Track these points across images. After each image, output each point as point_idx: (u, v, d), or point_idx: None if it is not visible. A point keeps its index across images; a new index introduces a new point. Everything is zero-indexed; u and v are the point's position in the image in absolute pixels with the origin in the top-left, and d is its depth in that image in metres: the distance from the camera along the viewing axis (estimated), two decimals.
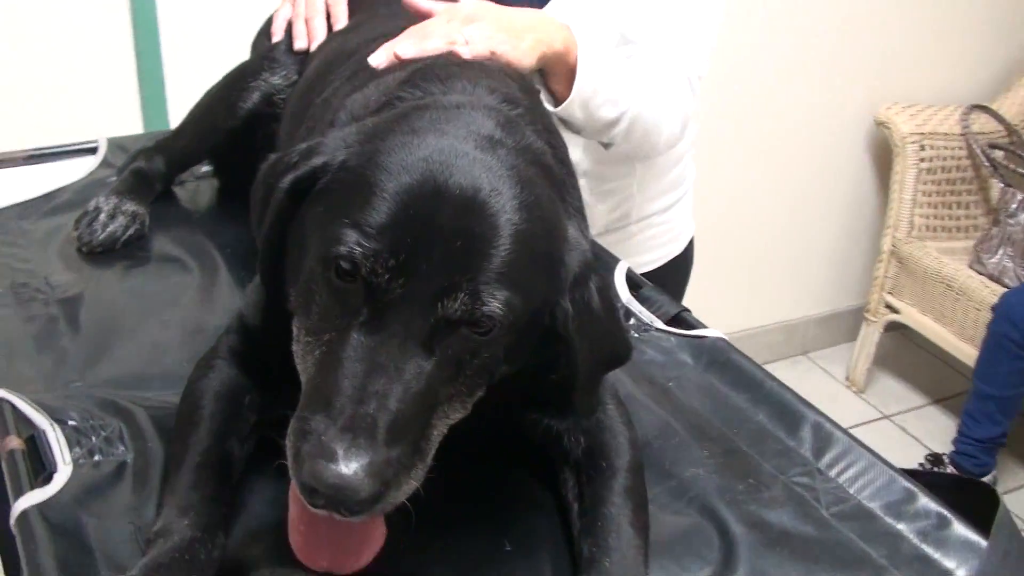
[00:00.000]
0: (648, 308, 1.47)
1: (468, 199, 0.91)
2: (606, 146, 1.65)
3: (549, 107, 1.47)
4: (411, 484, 0.88)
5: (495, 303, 0.88)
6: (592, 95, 1.48)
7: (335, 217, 0.91)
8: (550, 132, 1.20)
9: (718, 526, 1.11)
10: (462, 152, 0.94)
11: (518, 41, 1.37)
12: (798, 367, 4.00)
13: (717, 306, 3.66)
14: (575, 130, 1.58)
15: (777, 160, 3.65)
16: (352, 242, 0.88)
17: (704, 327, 1.43)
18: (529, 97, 1.24)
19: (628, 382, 1.32)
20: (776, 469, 1.20)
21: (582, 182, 1.70)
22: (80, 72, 2.51)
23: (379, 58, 1.31)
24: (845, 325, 4.09)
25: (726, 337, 1.40)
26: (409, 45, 1.32)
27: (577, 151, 1.77)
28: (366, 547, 0.91)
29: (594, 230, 1.82)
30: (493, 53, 1.33)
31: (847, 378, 3.96)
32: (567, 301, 0.98)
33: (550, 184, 1.02)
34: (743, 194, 3.59)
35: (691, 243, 2.04)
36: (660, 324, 1.44)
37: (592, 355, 1.02)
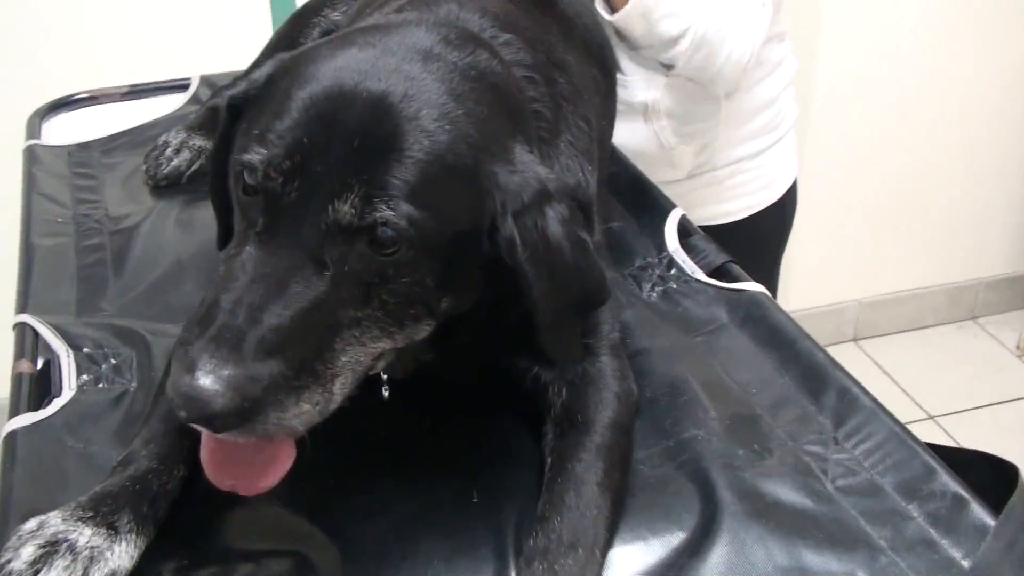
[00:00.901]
0: (693, 257, 1.38)
1: (375, 102, 0.85)
2: (668, 68, 1.56)
3: (605, 15, 1.40)
4: (303, 408, 0.82)
5: (389, 212, 0.82)
6: (653, 6, 1.40)
7: (248, 130, 0.89)
8: (556, 67, 1.13)
9: (704, 491, 1.03)
10: (383, 62, 0.89)
11: None
12: (964, 332, 3.73)
13: (873, 264, 3.48)
14: (633, 45, 1.50)
15: (942, 95, 3.30)
16: (252, 150, 0.84)
17: (748, 280, 1.33)
18: (539, 27, 1.17)
19: (655, 333, 1.25)
20: (788, 435, 1.10)
21: (664, 123, 1.62)
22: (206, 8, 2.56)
23: None
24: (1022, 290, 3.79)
25: (767, 292, 1.29)
26: None
27: (658, 90, 1.68)
28: (271, 469, 0.87)
29: (679, 173, 1.74)
30: None
31: (1018, 347, 3.67)
32: (510, 227, 0.89)
33: (496, 105, 0.94)
34: (902, 140, 3.33)
35: (790, 192, 1.91)
36: (701, 275, 1.35)
37: (554, 292, 0.93)
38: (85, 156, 1.70)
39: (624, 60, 1.69)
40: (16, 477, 1.04)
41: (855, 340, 3.59)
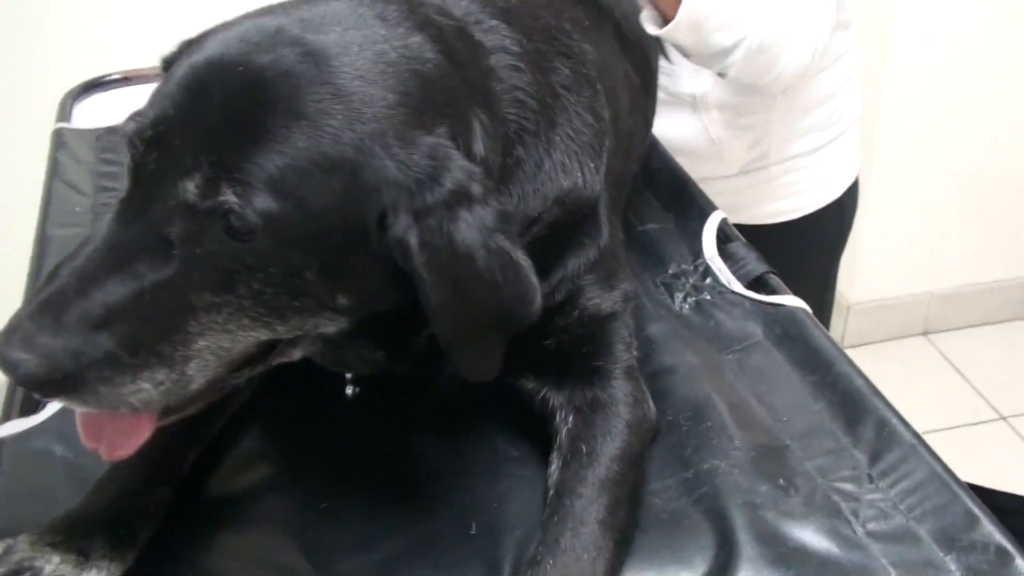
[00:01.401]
0: (731, 266, 1.29)
1: (251, 77, 0.79)
2: (720, 74, 1.46)
3: (652, 29, 1.31)
4: (141, 387, 0.78)
5: (234, 199, 0.75)
6: (703, 19, 1.30)
7: None
8: (561, 55, 1.04)
9: (720, 532, 0.95)
10: (283, 34, 0.82)
11: None
12: None
13: (945, 255, 3.32)
14: (684, 54, 1.41)
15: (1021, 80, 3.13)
16: (130, 117, 0.80)
17: (788, 293, 1.23)
18: (553, 14, 1.08)
19: (682, 350, 1.17)
20: (818, 470, 1.02)
21: (714, 115, 1.53)
22: None
23: None
24: None
25: (806, 308, 1.20)
26: None
27: (707, 81, 1.59)
28: (127, 439, 0.84)
29: (730, 169, 1.65)
30: None
31: None
32: (402, 228, 0.81)
33: (412, 93, 0.83)
34: (978, 128, 3.15)
35: (850, 192, 1.79)
36: (738, 286, 1.26)
37: (461, 305, 0.83)
38: (112, 140, 1.66)
39: (671, 48, 1.59)
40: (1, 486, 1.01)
41: (925, 334, 3.43)
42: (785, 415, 1.08)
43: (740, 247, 1.32)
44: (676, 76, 1.61)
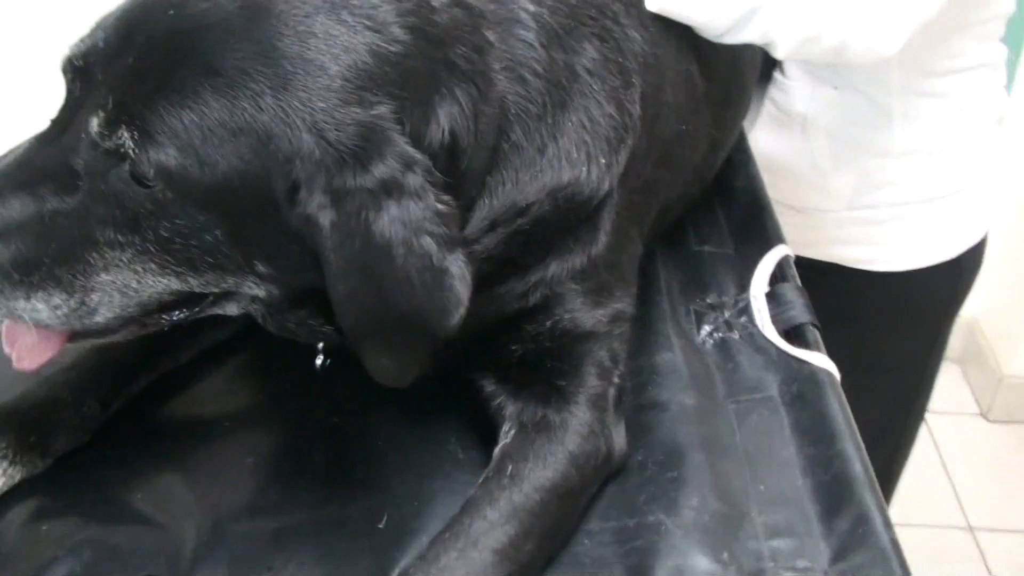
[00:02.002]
0: (773, 308, 1.18)
1: (176, 23, 0.75)
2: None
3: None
4: (36, 306, 0.79)
5: (131, 146, 0.74)
6: None
7: None
8: (596, 37, 0.94)
9: None
10: None
11: None
12: None
13: None
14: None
15: None
16: (72, 44, 0.79)
17: (821, 351, 1.11)
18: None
19: (682, 387, 1.07)
20: (772, 553, 0.91)
21: (822, 142, 1.41)
22: None
23: None
24: None
25: (833, 371, 1.08)
26: None
27: (821, 103, 1.46)
28: (32, 354, 0.85)
29: (835, 204, 1.52)
30: None
31: None
32: (312, 206, 0.75)
33: (362, 64, 0.76)
34: None
35: (974, 252, 1.61)
36: (771, 331, 1.14)
37: (368, 298, 0.77)
38: None
39: (791, 63, 1.47)
40: None
41: None
42: (764, 482, 0.98)
43: (790, 290, 1.20)
44: (789, 92, 1.48)
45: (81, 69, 0.78)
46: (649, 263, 1.23)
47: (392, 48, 0.78)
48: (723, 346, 1.15)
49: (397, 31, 0.79)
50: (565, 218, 0.91)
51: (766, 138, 1.47)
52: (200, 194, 0.76)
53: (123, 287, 0.81)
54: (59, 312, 0.80)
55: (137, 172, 0.75)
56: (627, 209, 0.98)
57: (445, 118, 0.80)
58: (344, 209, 0.75)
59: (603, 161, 0.91)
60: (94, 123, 0.76)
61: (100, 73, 0.77)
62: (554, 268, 0.93)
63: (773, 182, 1.44)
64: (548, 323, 0.94)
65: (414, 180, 0.76)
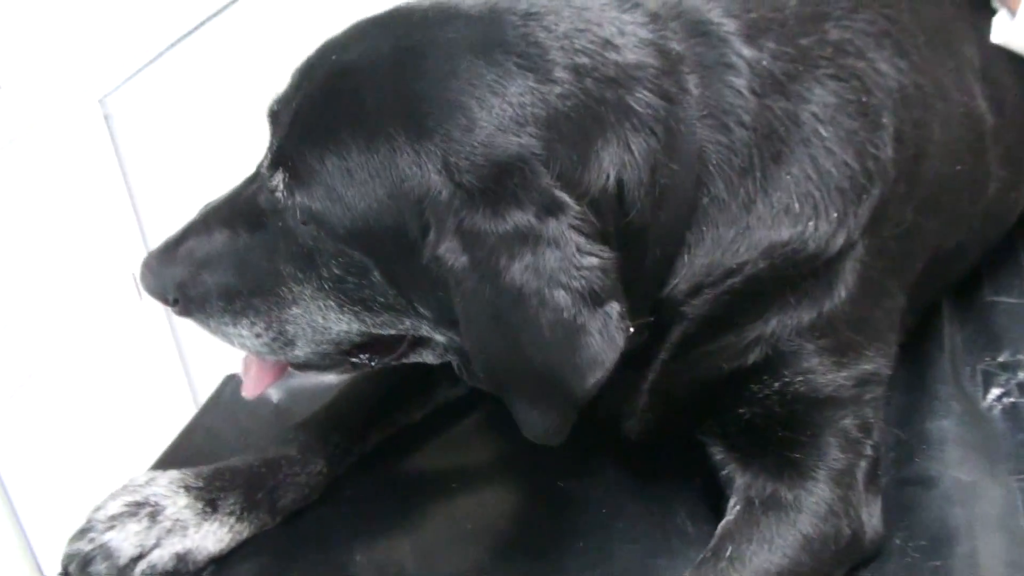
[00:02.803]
0: None
1: (332, 69, 0.77)
2: None
3: (996, 35, 1.05)
4: (241, 332, 0.84)
5: (280, 185, 0.77)
6: None
7: None
8: (830, 78, 0.84)
9: None
10: (394, 22, 0.78)
11: None
12: None
13: None
14: None
15: None
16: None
17: None
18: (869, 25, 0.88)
19: (957, 459, 0.93)
20: None
21: None
22: None
23: None
24: None
25: None
26: None
27: None
28: (257, 380, 0.92)
29: None
30: None
31: None
32: (445, 247, 0.71)
33: (505, 104, 0.72)
34: None
35: None
36: None
37: (499, 347, 0.73)
38: None
39: None
40: (208, 415, 1.07)
41: None
42: None
43: None
44: None
45: (273, 115, 0.81)
46: (931, 316, 1.09)
47: (546, 88, 0.73)
48: (1014, 413, 1.00)
49: (557, 71, 0.74)
50: (785, 275, 0.81)
51: None
52: (344, 234, 0.76)
53: (312, 322, 0.83)
54: (261, 340, 0.84)
55: (296, 206, 0.77)
56: (881, 260, 0.86)
57: (610, 164, 0.74)
58: (476, 253, 0.71)
59: (834, 215, 0.81)
60: (265, 164, 0.80)
61: (282, 118, 0.79)
62: (774, 324, 0.83)
63: None
64: (776, 385, 0.84)
65: (554, 227, 0.71)
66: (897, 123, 0.86)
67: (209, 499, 0.91)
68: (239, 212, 0.82)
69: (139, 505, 0.89)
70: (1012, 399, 1.00)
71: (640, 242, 0.77)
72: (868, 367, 0.87)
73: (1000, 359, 1.05)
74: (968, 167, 0.96)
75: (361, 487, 0.98)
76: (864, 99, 0.84)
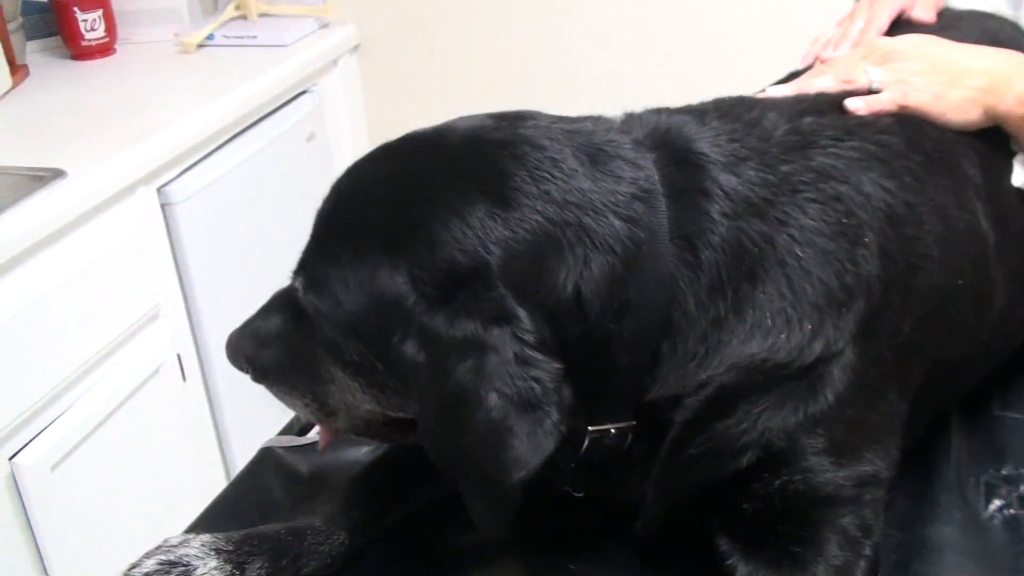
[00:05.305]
0: None
1: (343, 190, 0.91)
2: None
3: (1017, 176, 1.10)
4: (295, 402, 0.97)
5: (298, 287, 0.90)
6: None
7: None
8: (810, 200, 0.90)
9: None
10: (397, 158, 0.91)
11: (946, 90, 1.05)
12: None
13: None
14: None
15: None
16: None
17: None
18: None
19: (956, 566, 0.97)
20: None
21: None
22: None
23: (770, 90, 1.12)
24: None
25: None
26: (799, 81, 1.11)
27: None
28: (323, 436, 1.06)
29: None
30: (902, 105, 1.04)
31: None
32: (408, 345, 0.82)
33: (466, 225, 0.82)
34: None
35: None
36: None
37: (442, 439, 0.83)
38: None
39: None
40: (242, 484, 1.13)
41: None
42: None
43: None
44: None
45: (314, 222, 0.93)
46: (940, 427, 1.13)
47: (504, 212, 0.82)
48: (1014, 524, 1.02)
49: (518, 197, 0.83)
50: (755, 381, 0.86)
51: None
52: (347, 333, 0.87)
53: (345, 400, 0.93)
54: (309, 410, 0.97)
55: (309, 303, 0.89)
56: (877, 367, 0.91)
57: (567, 278, 0.82)
58: (431, 352, 0.80)
59: (809, 327, 0.86)
60: (293, 268, 0.92)
61: (313, 226, 0.92)
62: (761, 428, 0.87)
63: None
64: (776, 483, 0.88)
65: (498, 335, 0.78)
66: (883, 241, 0.91)
67: (238, 562, 0.96)
68: (289, 303, 0.93)
69: (172, 564, 0.94)
70: (1013, 511, 1.03)
71: (604, 350, 0.84)
72: (867, 468, 0.91)
73: (1004, 472, 1.08)
74: (970, 281, 1.00)
75: (382, 559, 1.03)
76: (845, 220, 0.90)
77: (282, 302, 0.95)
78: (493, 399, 0.78)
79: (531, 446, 0.79)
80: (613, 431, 0.87)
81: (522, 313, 0.80)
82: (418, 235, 0.82)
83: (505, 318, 0.79)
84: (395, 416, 0.93)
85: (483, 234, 0.81)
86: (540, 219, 0.82)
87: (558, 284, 0.82)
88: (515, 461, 0.79)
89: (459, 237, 0.81)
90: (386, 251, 0.83)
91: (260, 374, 0.97)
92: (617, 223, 0.84)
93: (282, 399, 0.98)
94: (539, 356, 0.79)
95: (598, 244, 0.83)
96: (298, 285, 0.90)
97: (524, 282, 0.81)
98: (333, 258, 0.86)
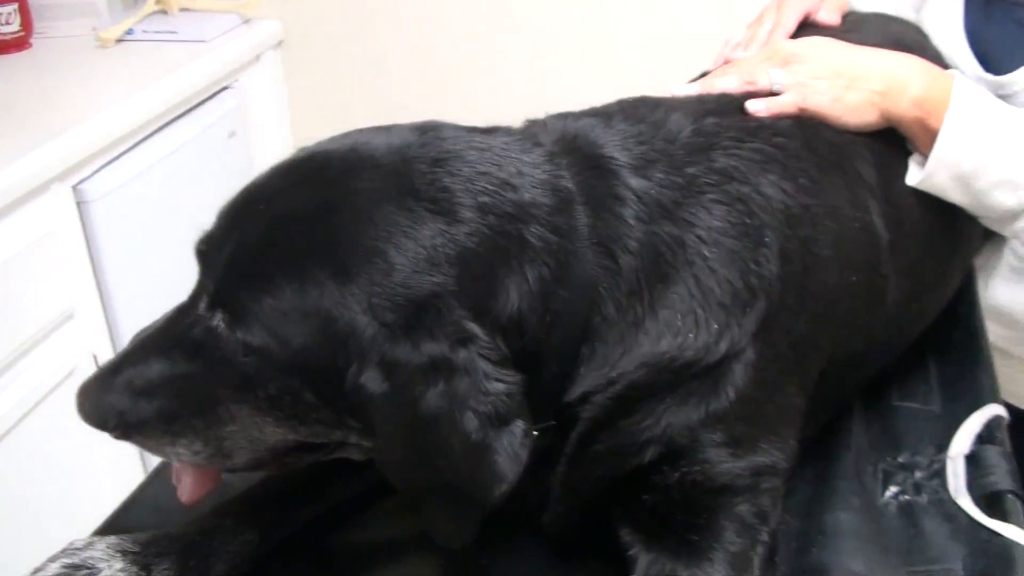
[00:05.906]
0: (972, 472, 1.07)
1: (263, 217, 0.85)
2: None
3: (911, 177, 1.13)
4: (179, 451, 0.89)
5: (222, 325, 0.83)
6: (972, 173, 1.10)
7: None
8: (714, 204, 0.93)
9: None
10: (314, 169, 0.86)
11: (844, 93, 1.08)
12: None
13: None
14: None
15: None
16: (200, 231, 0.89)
17: (1020, 525, 1.00)
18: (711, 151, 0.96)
19: (852, 551, 0.99)
20: None
21: None
22: None
23: (676, 88, 1.14)
24: None
25: None
26: (704, 81, 1.13)
27: None
28: (194, 487, 0.95)
29: None
30: (801, 108, 1.06)
31: None
32: (368, 377, 0.79)
33: (417, 246, 0.80)
34: None
35: None
36: (964, 499, 1.04)
37: (415, 467, 0.82)
38: None
39: None
40: (152, 485, 1.13)
41: None
42: None
43: (995, 454, 1.08)
44: None
45: (202, 254, 0.88)
46: (843, 418, 1.16)
47: (454, 229, 0.81)
48: (907, 510, 1.05)
49: (464, 211, 0.82)
50: (662, 380, 0.89)
51: (1005, 290, 1.34)
52: (285, 366, 0.82)
53: (249, 436, 0.88)
54: (200, 456, 0.89)
55: (233, 348, 0.83)
56: (776, 363, 0.94)
57: (516, 294, 0.82)
58: (395, 381, 0.79)
59: (715, 326, 0.89)
60: (202, 305, 0.86)
61: (213, 257, 0.86)
62: (664, 425, 0.90)
63: (1013, 336, 1.33)
64: (675, 475, 0.90)
65: (464, 356, 0.78)
66: (782, 241, 0.94)
67: (144, 564, 0.95)
68: (175, 342, 0.87)
69: (76, 567, 0.93)
70: (908, 497, 1.06)
71: (536, 361, 0.85)
72: (764, 459, 0.94)
73: (900, 459, 1.11)
74: (864, 278, 1.04)
75: (293, 559, 1.03)
76: (748, 220, 0.93)
77: (163, 343, 0.88)
78: (470, 419, 0.78)
79: (510, 460, 0.80)
80: (535, 432, 0.87)
81: (481, 331, 0.80)
82: (371, 260, 0.80)
83: (468, 338, 0.79)
84: (310, 443, 0.91)
85: (436, 254, 0.80)
86: (488, 234, 0.83)
87: (510, 299, 0.82)
88: (498, 476, 0.80)
89: (413, 259, 0.80)
90: (335, 278, 0.80)
91: (133, 429, 0.88)
92: (547, 234, 0.85)
93: (160, 452, 0.91)
94: (504, 371, 0.80)
95: (534, 257, 0.84)
96: (220, 322, 0.84)
97: (480, 300, 0.81)
98: (267, 288, 0.81)
